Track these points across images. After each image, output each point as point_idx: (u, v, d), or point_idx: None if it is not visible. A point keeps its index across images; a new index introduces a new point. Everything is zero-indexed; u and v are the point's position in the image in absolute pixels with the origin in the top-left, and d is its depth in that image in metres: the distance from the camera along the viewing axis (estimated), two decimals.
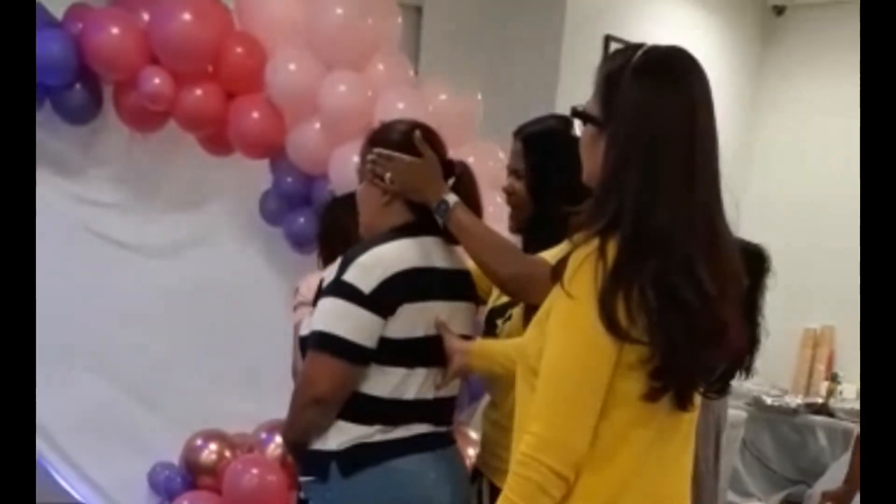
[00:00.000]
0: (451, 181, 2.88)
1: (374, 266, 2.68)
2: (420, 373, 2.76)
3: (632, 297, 1.99)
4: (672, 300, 2.00)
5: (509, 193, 3.15)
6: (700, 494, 5.14)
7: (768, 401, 7.05)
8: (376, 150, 2.83)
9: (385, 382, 2.72)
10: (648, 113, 2.05)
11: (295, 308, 4.02)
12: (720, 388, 2.17)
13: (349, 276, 2.67)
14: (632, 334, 2.00)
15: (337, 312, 2.67)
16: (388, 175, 2.80)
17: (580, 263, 2.04)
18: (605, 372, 2.03)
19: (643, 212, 2.02)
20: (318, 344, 2.69)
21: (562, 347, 2.07)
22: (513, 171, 3.15)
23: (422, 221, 2.83)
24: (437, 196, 2.78)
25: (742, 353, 2.23)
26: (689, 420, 2.21)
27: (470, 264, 2.90)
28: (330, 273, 2.74)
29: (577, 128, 2.22)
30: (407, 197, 2.84)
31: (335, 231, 4.03)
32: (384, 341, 2.69)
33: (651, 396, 2.05)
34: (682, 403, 2.11)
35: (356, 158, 4.48)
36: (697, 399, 2.21)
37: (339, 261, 2.74)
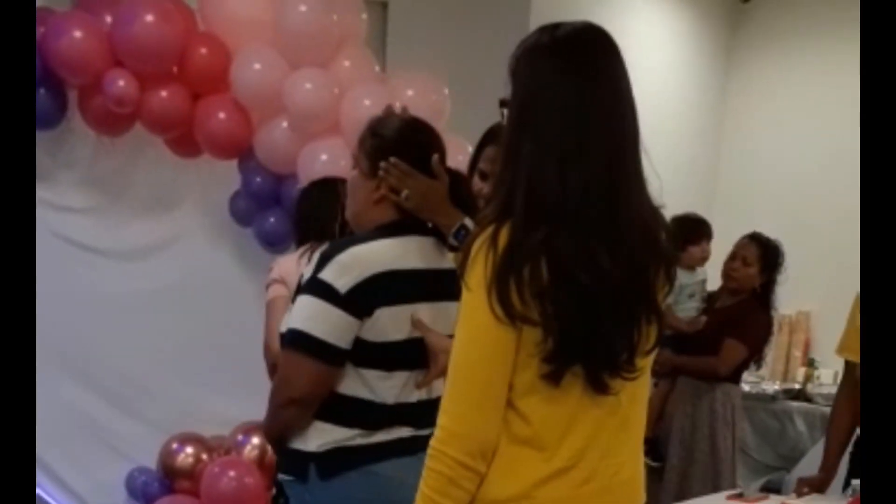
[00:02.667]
0: None
1: (351, 266, 2.62)
2: (400, 376, 2.71)
3: (523, 279, 1.97)
4: (562, 275, 1.98)
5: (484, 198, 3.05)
6: (718, 479, 5.21)
7: (746, 388, 7.05)
8: (393, 160, 2.73)
9: (363, 385, 2.69)
10: (539, 86, 2.05)
11: (267, 286, 4.01)
12: (632, 370, 2.11)
13: (325, 275, 2.61)
14: (529, 316, 1.98)
15: (311, 311, 2.62)
16: (405, 192, 2.73)
17: (475, 253, 2.03)
18: (506, 361, 2.02)
19: (535, 180, 2.01)
20: (292, 343, 2.65)
21: (462, 340, 2.07)
22: (484, 176, 3.13)
23: (408, 221, 2.77)
24: (452, 221, 2.75)
25: (657, 335, 2.17)
26: (622, 402, 2.17)
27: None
28: (309, 268, 2.68)
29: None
30: (418, 215, 2.78)
31: (310, 217, 4.02)
32: (360, 343, 2.64)
33: (550, 377, 2.03)
34: (597, 386, 2.08)
35: (325, 156, 4.54)
36: (640, 385, 2.19)
37: (317, 255, 2.69)
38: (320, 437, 2.70)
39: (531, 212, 2.00)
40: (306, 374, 2.64)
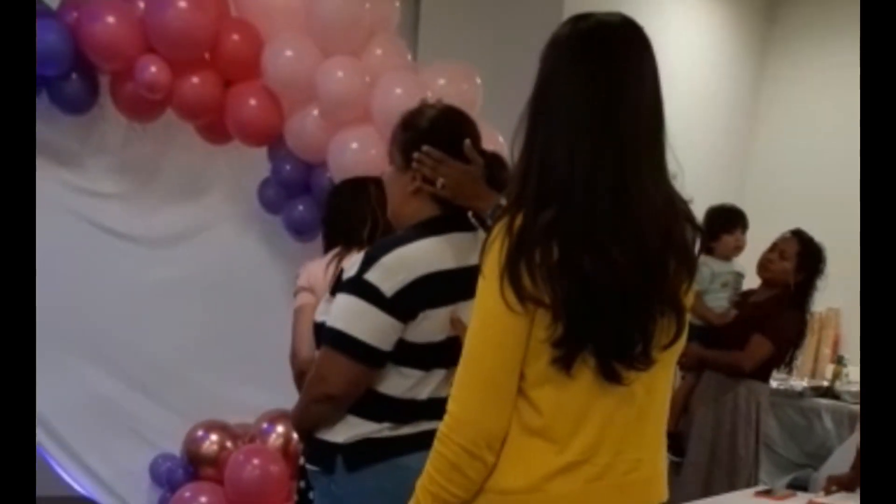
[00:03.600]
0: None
1: (397, 268, 2.59)
2: (437, 373, 2.69)
3: (534, 261, 1.97)
4: (568, 259, 1.97)
5: None
6: (735, 478, 5.15)
7: (774, 384, 7.01)
8: (426, 149, 2.69)
9: (400, 383, 2.67)
10: (553, 74, 2.05)
11: (295, 294, 3.99)
12: (647, 361, 2.09)
13: (371, 276, 2.58)
14: (541, 299, 1.97)
15: (355, 312, 2.60)
16: (440, 181, 2.69)
17: (492, 241, 2.04)
18: (516, 349, 2.02)
19: (546, 166, 2.01)
20: (333, 342, 2.62)
21: (474, 328, 2.08)
22: None
23: (449, 216, 2.74)
24: (488, 205, 2.71)
25: (677, 329, 2.14)
26: (638, 395, 2.15)
27: None
28: (352, 266, 2.65)
29: None
30: (456, 202, 2.74)
31: (339, 217, 4.00)
32: (402, 344, 2.62)
33: (560, 363, 2.02)
34: (608, 375, 2.05)
35: (355, 145, 4.53)
36: (660, 378, 2.17)
37: (362, 255, 2.65)
38: (348, 429, 2.69)
39: (542, 195, 2.00)
40: (345, 374, 2.62)
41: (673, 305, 2.09)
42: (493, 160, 2.90)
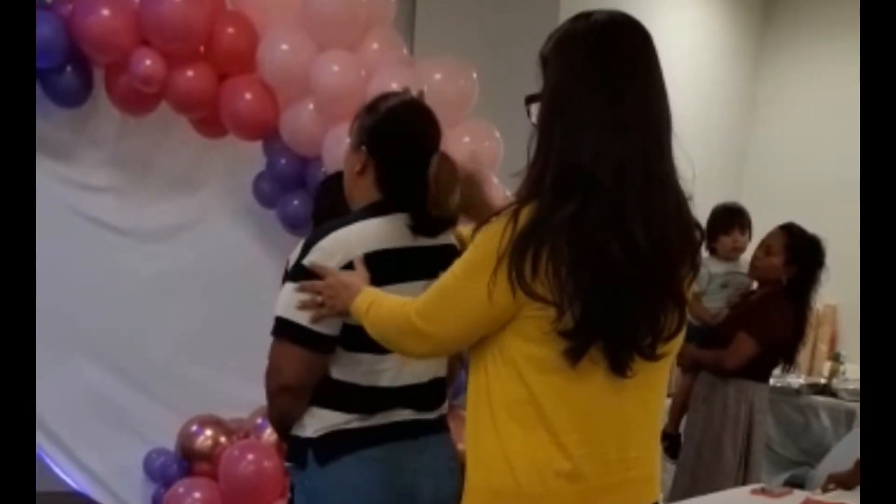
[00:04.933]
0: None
1: (334, 250, 2.60)
2: (394, 357, 2.65)
3: (541, 255, 2.00)
4: (590, 252, 2.00)
5: None
6: (722, 480, 5.08)
7: (770, 381, 7.01)
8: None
9: (355, 369, 2.67)
10: (574, 71, 2.08)
11: (283, 281, 3.98)
12: (654, 354, 2.10)
13: (309, 261, 2.61)
14: (535, 291, 2.01)
15: (295, 299, 2.60)
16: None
17: (495, 223, 2.09)
18: (482, 315, 2.12)
19: (567, 159, 2.03)
20: (278, 331, 2.64)
21: (457, 276, 2.16)
22: None
23: (393, 198, 2.74)
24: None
25: (679, 321, 2.16)
26: (640, 392, 2.16)
27: (463, 233, 2.80)
28: (293, 255, 2.67)
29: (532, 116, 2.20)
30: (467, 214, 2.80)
31: (330, 209, 3.99)
32: (349, 327, 2.60)
33: (570, 354, 2.04)
34: (617, 367, 2.07)
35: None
36: (659, 376, 2.20)
37: (301, 243, 2.68)
38: (316, 422, 2.70)
39: (561, 188, 2.02)
40: (295, 362, 2.63)
41: (677, 299, 2.13)
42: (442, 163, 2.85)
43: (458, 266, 2.17)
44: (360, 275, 2.56)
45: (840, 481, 3.93)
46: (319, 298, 2.54)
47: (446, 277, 2.20)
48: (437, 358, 2.70)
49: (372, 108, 2.83)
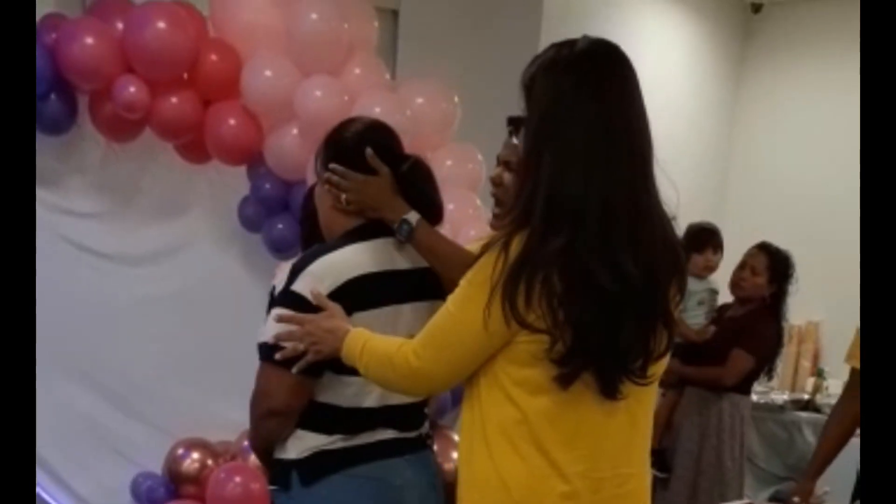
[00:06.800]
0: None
1: (323, 275, 2.62)
2: None
3: (534, 286, 2.03)
4: (582, 282, 2.03)
5: (497, 184, 3.00)
6: (724, 489, 5.19)
7: (754, 398, 7.04)
8: (332, 165, 2.75)
9: (342, 391, 2.68)
10: (560, 100, 2.10)
11: (269, 305, 3.99)
12: (645, 376, 2.15)
13: (298, 287, 2.61)
14: (529, 322, 2.05)
15: (286, 324, 2.59)
16: (343, 196, 2.74)
17: (487, 256, 2.11)
18: (479, 350, 2.17)
19: (556, 190, 2.06)
20: (268, 356, 2.62)
21: (453, 314, 2.20)
22: (504, 163, 3.00)
23: (375, 223, 2.77)
24: (396, 215, 2.72)
25: (667, 341, 2.21)
26: (631, 411, 2.20)
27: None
28: (280, 280, 2.68)
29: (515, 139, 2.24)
30: (366, 215, 2.77)
31: (314, 219, 4.01)
32: None
33: (561, 380, 2.08)
34: (608, 390, 2.11)
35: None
36: (649, 394, 2.25)
37: (288, 269, 2.68)
38: (300, 444, 2.70)
39: (551, 220, 2.05)
40: (285, 387, 2.63)
41: (666, 320, 2.17)
42: (415, 165, 2.89)
43: (451, 303, 2.20)
44: (338, 312, 2.55)
45: (804, 496, 3.98)
46: (301, 347, 2.53)
47: (441, 315, 2.23)
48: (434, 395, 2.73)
49: (329, 140, 2.86)
